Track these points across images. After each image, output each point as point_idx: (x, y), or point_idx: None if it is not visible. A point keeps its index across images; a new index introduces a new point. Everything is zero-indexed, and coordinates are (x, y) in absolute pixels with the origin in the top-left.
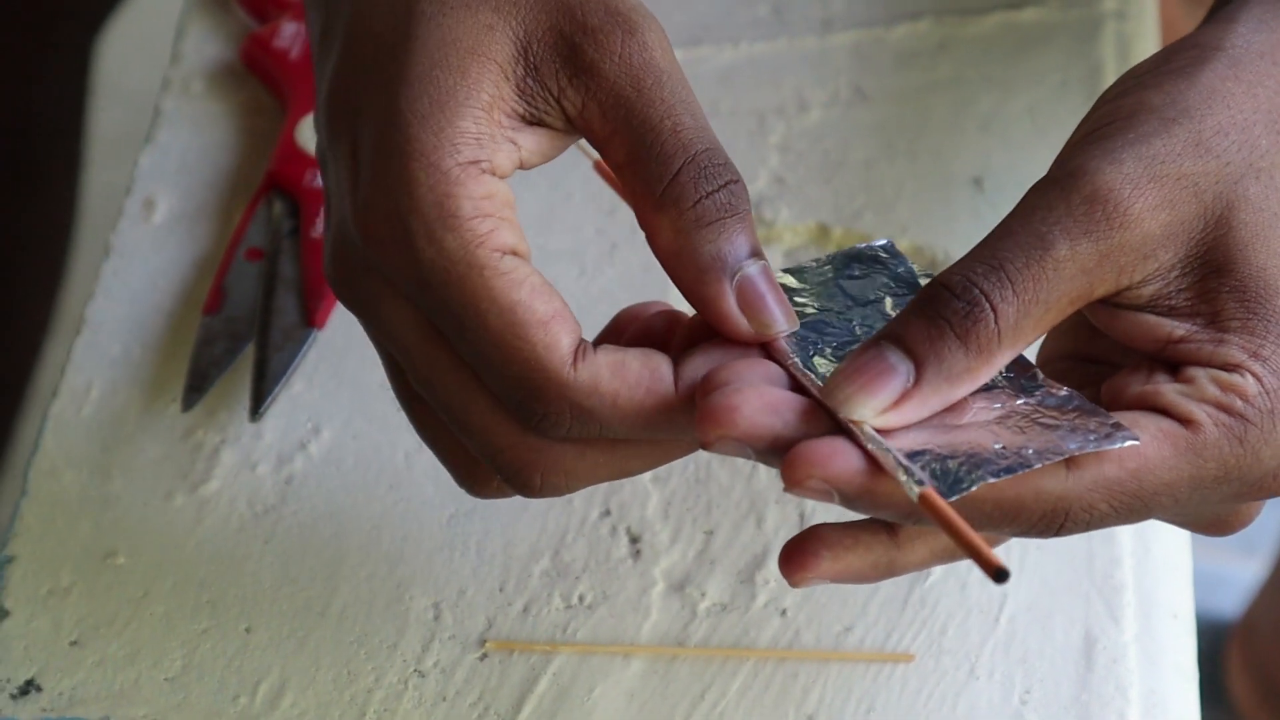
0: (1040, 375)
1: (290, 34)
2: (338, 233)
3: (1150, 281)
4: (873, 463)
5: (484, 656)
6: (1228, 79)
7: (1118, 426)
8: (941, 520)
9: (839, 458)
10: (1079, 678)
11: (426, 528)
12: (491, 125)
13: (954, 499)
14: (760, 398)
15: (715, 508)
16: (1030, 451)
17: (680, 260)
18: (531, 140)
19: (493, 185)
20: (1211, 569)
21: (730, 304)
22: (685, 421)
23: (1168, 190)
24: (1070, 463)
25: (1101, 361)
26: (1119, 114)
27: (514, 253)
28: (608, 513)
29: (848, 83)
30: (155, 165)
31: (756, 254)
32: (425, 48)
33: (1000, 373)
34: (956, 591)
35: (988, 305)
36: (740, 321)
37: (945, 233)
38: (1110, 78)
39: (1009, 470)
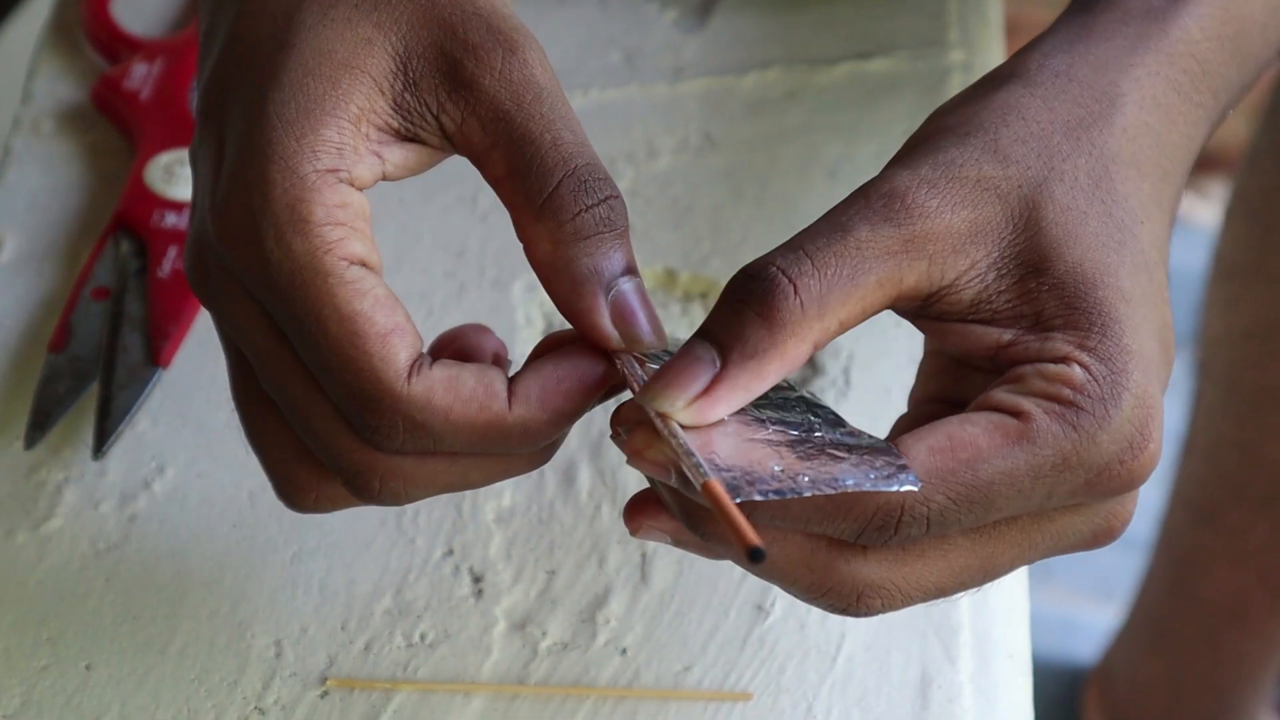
0: (848, 424)
1: (141, 75)
2: (198, 230)
3: (968, 284)
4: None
5: (325, 694)
6: (1023, 96)
7: (903, 469)
8: (716, 505)
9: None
10: (915, 716)
11: (269, 566)
12: (356, 137)
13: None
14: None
15: (558, 548)
16: (805, 479)
17: (557, 272)
18: (400, 155)
19: (348, 195)
20: (1068, 615)
21: (603, 317)
22: (518, 438)
23: (967, 191)
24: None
25: (968, 403)
26: (919, 137)
27: (363, 263)
28: (450, 552)
29: (697, 130)
30: (4, 204)
31: (631, 270)
32: (300, 55)
33: (812, 416)
34: (795, 631)
35: (786, 279)
36: (612, 334)
37: None
38: None
39: (778, 493)
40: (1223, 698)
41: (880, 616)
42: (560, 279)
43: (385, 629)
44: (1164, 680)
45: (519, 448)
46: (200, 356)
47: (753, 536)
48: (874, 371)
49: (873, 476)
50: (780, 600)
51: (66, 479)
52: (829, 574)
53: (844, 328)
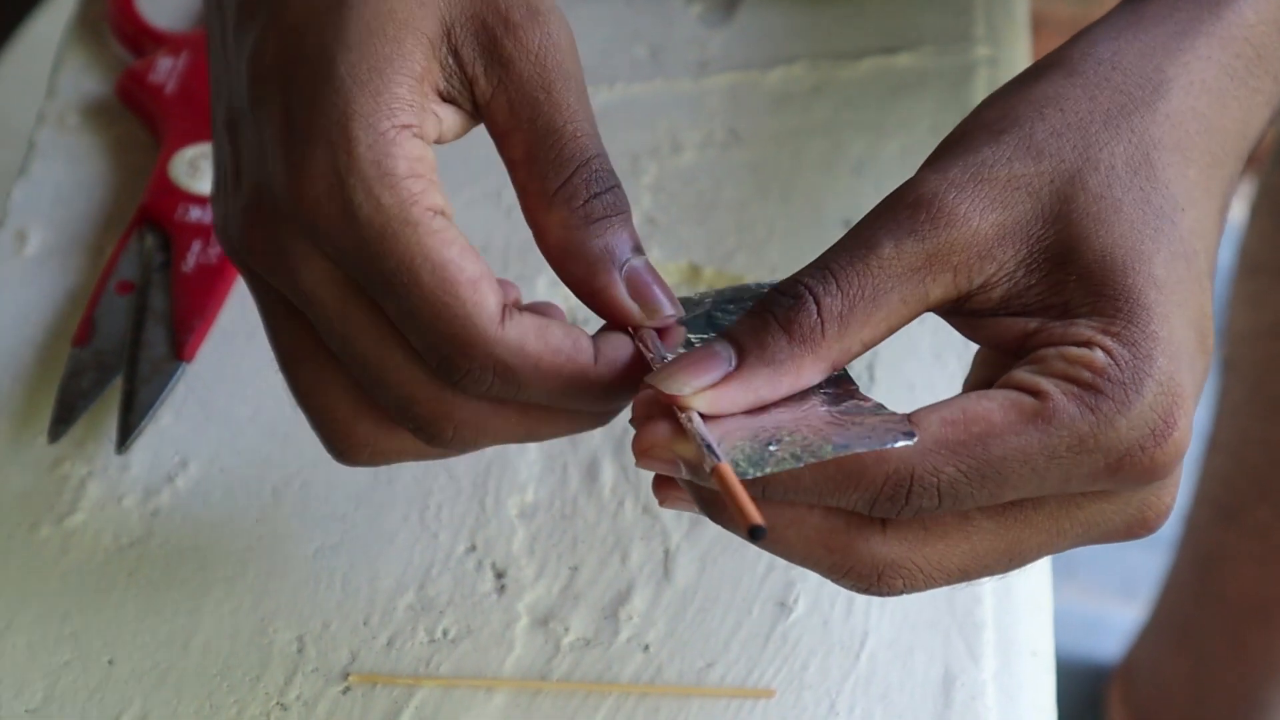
0: (857, 390)
1: (166, 69)
2: (255, 195)
3: (997, 284)
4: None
5: (347, 690)
6: (1063, 86)
7: (903, 427)
8: (724, 486)
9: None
10: (938, 714)
11: (292, 561)
12: (420, 95)
13: (755, 475)
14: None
15: (581, 543)
16: (816, 446)
17: (570, 255)
18: (449, 115)
19: (423, 149)
20: (1093, 613)
21: (622, 292)
22: (598, 394)
23: (997, 192)
24: (910, 422)
25: None
26: (955, 135)
27: (442, 213)
28: (473, 547)
29: (722, 125)
30: (29, 198)
31: (639, 249)
32: (362, 17)
33: (821, 387)
34: (819, 628)
35: (810, 297)
36: (632, 308)
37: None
38: None
39: (794, 458)
40: (1247, 696)
41: (904, 614)
42: (575, 261)
43: (408, 624)
44: (1188, 679)
45: (596, 404)
46: (224, 351)
47: (754, 514)
48: (898, 368)
49: (870, 439)
50: (803, 597)
51: (90, 473)
52: (849, 553)
53: (867, 346)
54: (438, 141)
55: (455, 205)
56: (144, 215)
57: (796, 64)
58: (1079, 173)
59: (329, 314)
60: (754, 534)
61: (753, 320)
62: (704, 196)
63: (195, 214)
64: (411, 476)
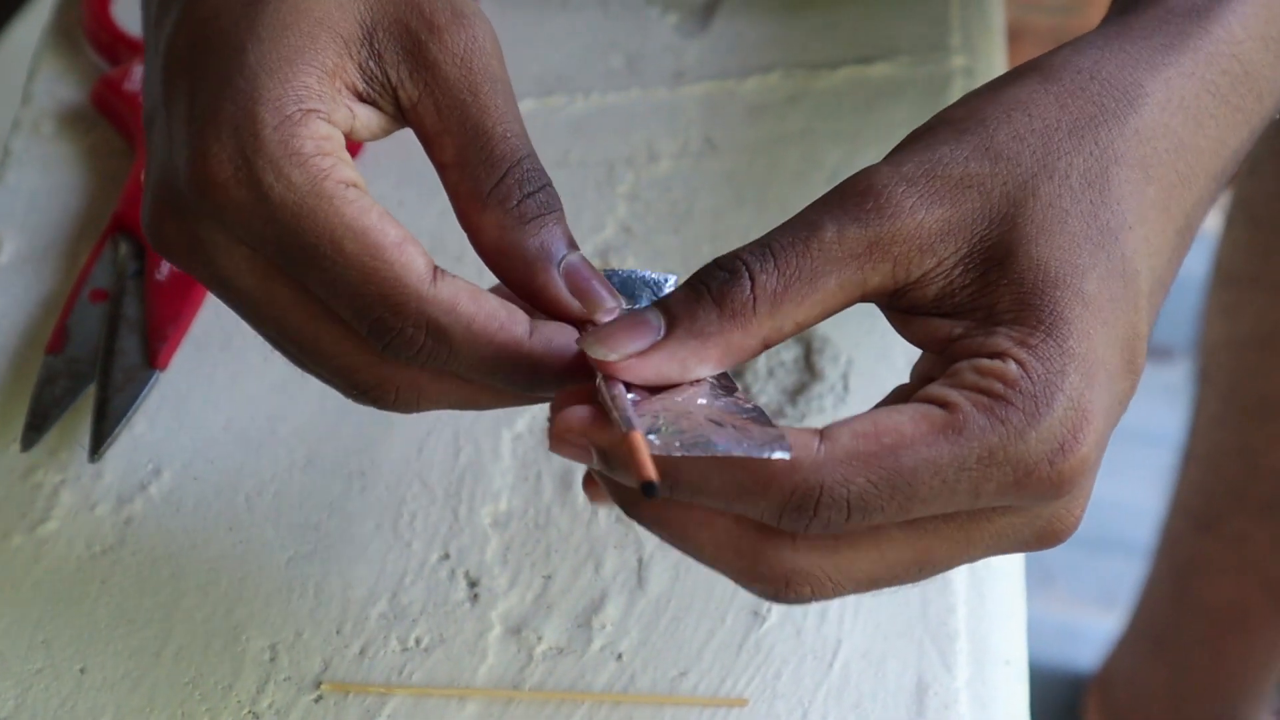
0: (738, 389)
1: (141, 77)
2: (162, 186)
3: (933, 280)
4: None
5: (319, 698)
6: (1036, 91)
7: (778, 440)
8: (630, 449)
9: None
10: None
11: (265, 569)
12: (331, 88)
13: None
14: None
15: (554, 552)
16: (679, 441)
17: (507, 255)
18: (364, 114)
19: (330, 129)
20: (1070, 622)
21: (562, 289)
22: (528, 369)
23: (949, 189)
24: (822, 435)
25: None
26: (920, 131)
27: (355, 185)
28: (446, 556)
29: (698, 134)
30: (3, 205)
31: (573, 245)
32: (277, 12)
33: (708, 379)
34: (791, 637)
35: (746, 273)
36: (573, 304)
37: None
38: None
39: (685, 448)
40: (1224, 704)
41: (877, 623)
42: (512, 261)
43: (380, 633)
44: (1165, 687)
45: (525, 382)
46: (197, 359)
47: (650, 471)
48: (873, 377)
49: (745, 446)
50: (777, 606)
51: (63, 481)
52: (757, 558)
53: (800, 327)
54: (352, 136)
55: (428, 213)
56: (118, 223)
57: (772, 74)
58: (1034, 178)
59: (253, 300)
60: (647, 490)
61: (687, 291)
62: (679, 205)
63: None
64: (385, 485)
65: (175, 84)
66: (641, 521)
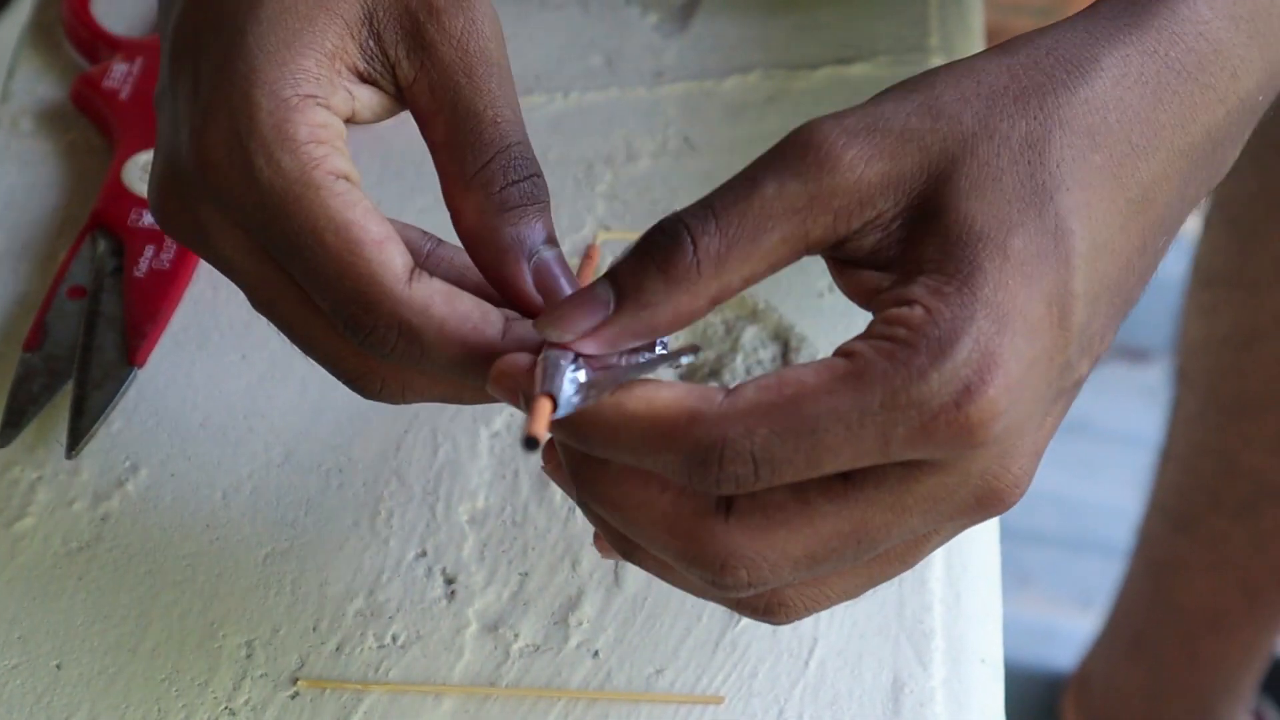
0: (660, 342)
1: (120, 74)
2: (167, 165)
3: (870, 231)
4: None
5: (295, 695)
6: (989, 61)
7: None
8: (532, 409)
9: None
10: None
11: (242, 566)
12: (331, 71)
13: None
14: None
15: (531, 550)
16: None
17: (482, 240)
18: (366, 95)
19: (328, 117)
20: (1047, 622)
21: (526, 282)
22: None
23: (889, 144)
24: (728, 392)
25: None
26: (877, 94)
27: (347, 178)
28: (423, 553)
29: (677, 133)
30: None
31: (552, 241)
32: None
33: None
34: (767, 635)
35: (688, 237)
36: (534, 297)
37: (767, 281)
38: None
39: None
40: (1201, 705)
41: (853, 621)
42: (485, 247)
43: (357, 630)
44: (1142, 687)
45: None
46: (175, 356)
47: (537, 428)
48: None
49: (642, 369)
50: None
51: (40, 477)
52: (692, 539)
53: (748, 283)
54: (352, 120)
55: (406, 213)
56: (96, 220)
57: (752, 73)
58: (973, 137)
59: (249, 280)
60: (528, 444)
61: (631, 261)
62: (658, 205)
63: (148, 219)
64: (362, 482)
65: (181, 65)
66: (589, 501)
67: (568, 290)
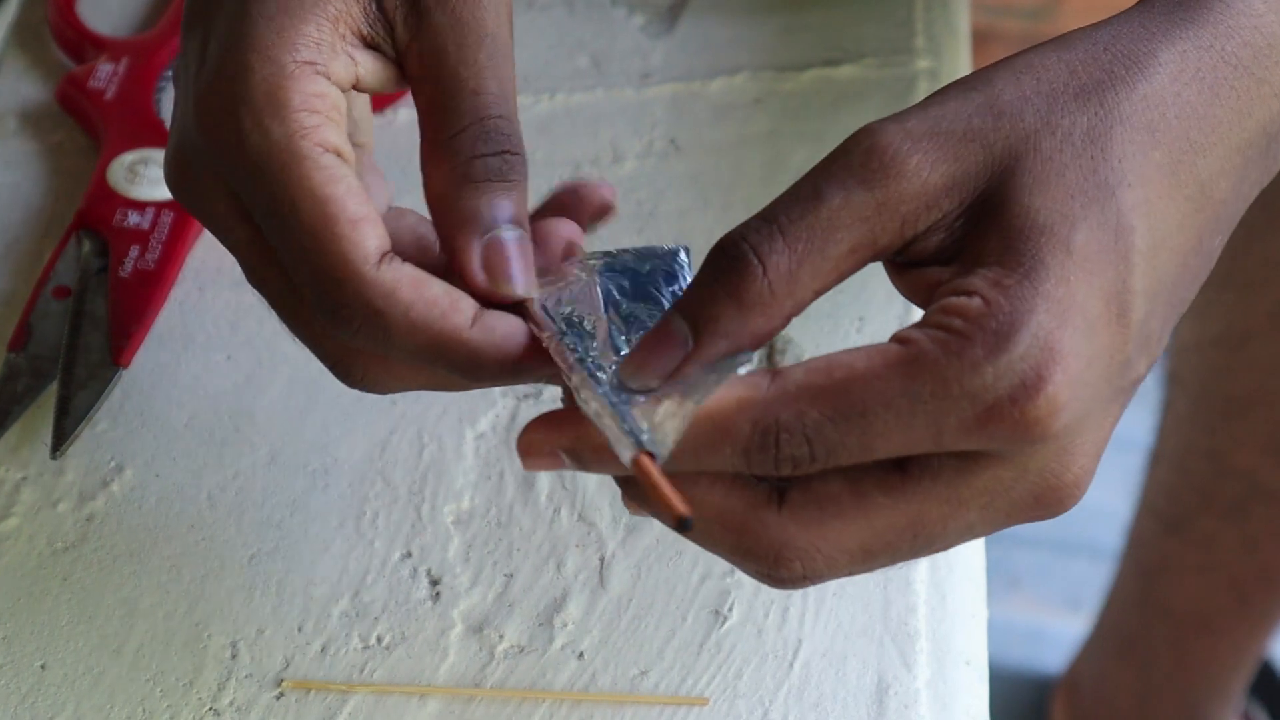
0: None
1: (106, 74)
2: (179, 133)
3: (935, 231)
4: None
5: (280, 696)
6: (1048, 57)
7: (741, 356)
8: (645, 478)
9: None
10: None
11: (227, 567)
12: (334, 36)
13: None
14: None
15: (516, 551)
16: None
17: (441, 208)
18: (369, 61)
19: (325, 87)
20: (1036, 624)
21: (473, 258)
22: (466, 361)
23: (953, 145)
24: (773, 375)
25: None
26: (931, 95)
27: (337, 152)
28: (409, 554)
29: (663, 135)
30: None
31: (518, 222)
32: None
33: None
34: (752, 636)
35: (756, 260)
36: (478, 275)
37: None
38: None
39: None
40: (1190, 707)
41: (838, 622)
42: (444, 217)
43: (342, 631)
44: (1132, 689)
45: (466, 371)
46: (161, 356)
47: (680, 506)
48: None
49: (718, 374)
50: (738, 605)
51: (24, 478)
52: (745, 531)
53: (819, 293)
54: (357, 87)
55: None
56: (82, 220)
57: (738, 75)
58: (1035, 134)
59: (242, 250)
60: (681, 526)
61: (702, 291)
62: (644, 206)
63: (134, 219)
64: (348, 483)
65: (192, 31)
66: (646, 510)
67: (516, 274)
